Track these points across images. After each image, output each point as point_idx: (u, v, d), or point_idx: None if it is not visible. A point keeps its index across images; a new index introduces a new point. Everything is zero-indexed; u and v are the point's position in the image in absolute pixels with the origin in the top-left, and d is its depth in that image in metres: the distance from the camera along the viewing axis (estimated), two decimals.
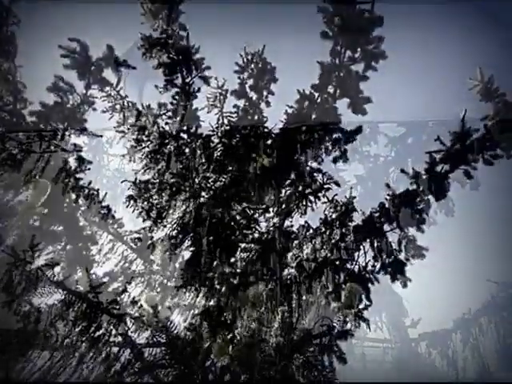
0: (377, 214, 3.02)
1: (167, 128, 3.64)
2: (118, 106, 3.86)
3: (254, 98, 3.87)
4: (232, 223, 3.29)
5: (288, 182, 3.49)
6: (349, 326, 2.62)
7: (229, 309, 2.87)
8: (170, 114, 3.65)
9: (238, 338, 2.54)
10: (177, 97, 3.60)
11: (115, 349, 2.81)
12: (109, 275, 7.29)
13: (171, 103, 3.63)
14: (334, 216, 3.16)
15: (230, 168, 3.47)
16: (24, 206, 6.19)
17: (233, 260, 3.15)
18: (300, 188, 3.39)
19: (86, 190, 4.08)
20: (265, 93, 3.89)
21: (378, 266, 2.94)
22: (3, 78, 4.79)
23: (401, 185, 3.10)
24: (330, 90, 3.34)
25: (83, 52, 3.96)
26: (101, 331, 2.79)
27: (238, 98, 3.86)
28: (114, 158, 17.56)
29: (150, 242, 3.49)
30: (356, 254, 3.02)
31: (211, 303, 3.00)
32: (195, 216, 3.22)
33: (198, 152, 3.49)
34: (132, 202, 3.53)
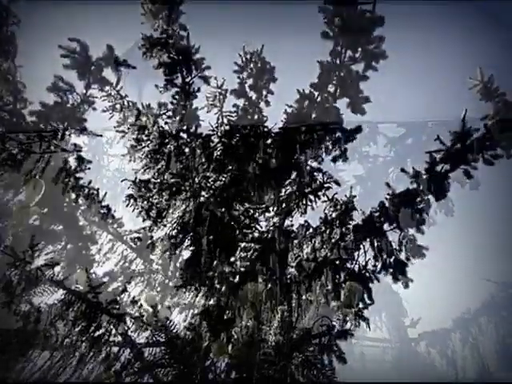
0: (377, 214, 3.02)
1: (167, 128, 3.64)
2: (118, 106, 3.87)
3: (253, 98, 3.87)
4: (232, 222, 3.29)
5: (288, 181, 3.49)
6: (348, 325, 2.63)
7: (229, 308, 2.87)
8: (169, 113, 3.65)
9: (238, 337, 2.54)
10: (177, 96, 3.60)
11: (115, 348, 2.82)
12: (109, 275, 7.30)
13: (171, 103, 3.63)
14: (334, 215, 3.16)
15: (230, 167, 3.48)
16: (18, 205, 6.17)
17: (233, 259, 3.15)
18: (300, 187, 3.39)
19: (86, 190, 4.08)
20: (264, 92, 3.89)
21: (379, 266, 2.94)
22: (3, 77, 4.79)
23: (400, 185, 3.11)
24: (330, 89, 3.34)
25: (83, 52, 3.96)
26: (101, 331, 2.79)
27: (238, 97, 3.86)
28: (113, 159, 17.58)
29: (149, 241, 3.50)
30: (356, 254, 3.02)
31: (211, 302, 3.00)
32: (195, 215, 3.22)
33: (198, 151, 3.49)
34: (132, 201, 3.53)
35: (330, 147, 3.38)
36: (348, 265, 2.99)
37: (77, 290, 2.85)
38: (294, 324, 2.76)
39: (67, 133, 3.93)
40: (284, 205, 3.39)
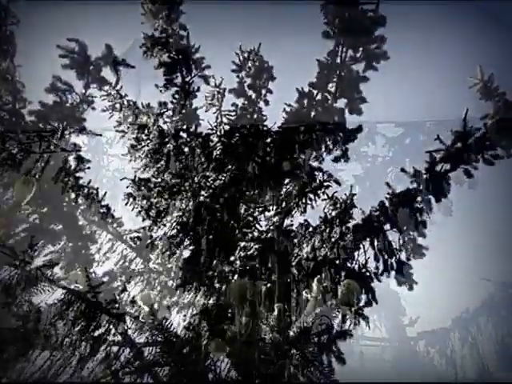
0: (376, 213, 3.02)
1: (166, 127, 3.64)
2: (117, 105, 3.86)
3: (252, 97, 3.87)
4: (231, 222, 3.29)
5: (287, 180, 3.48)
6: (348, 323, 2.62)
7: (227, 307, 2.87)
8: (169, 112, 3.65)
9: (236, 335, 2.54)
10: (176, 96, 3.60)
11: (115, 348, 2.81)
12: (108, 274, 7.28)
13: (171, 102, 3.63)
14: (333, 214, 3.16)
15: (230, 167, 3.47)
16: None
17: (232, 259, 3.15)
18: (299, 186, 3.39)
19: (86, 189, 4.08)
20: (263, 91, 3.89)
21: (382, 268, 2.93)
22: (2, 77, 4.77)
23: (399, 185, 3.11)
24: (331, 88, 3.33)
25: (82, 52, 3.95)
26: (100, 330, 2.79)
27: (237, 96, 3.86)
28: (113, 159, 17.60)
29: (149, 241, 3.50)
30: (356, 253, 3.02)
31: (210, 302, 3.00)
32: (195, 215, 3.22)
33: (198, 151, 3.49)
34: (131, 199, 3.53)
35: (331, 147, 3.38)
36: (348, 264, 2.99)
37: (76, 290, 2.85)
38: (292, 322, 2.75)
39: (66, 132, 3.92)
40: (284, 204, 3.39)
